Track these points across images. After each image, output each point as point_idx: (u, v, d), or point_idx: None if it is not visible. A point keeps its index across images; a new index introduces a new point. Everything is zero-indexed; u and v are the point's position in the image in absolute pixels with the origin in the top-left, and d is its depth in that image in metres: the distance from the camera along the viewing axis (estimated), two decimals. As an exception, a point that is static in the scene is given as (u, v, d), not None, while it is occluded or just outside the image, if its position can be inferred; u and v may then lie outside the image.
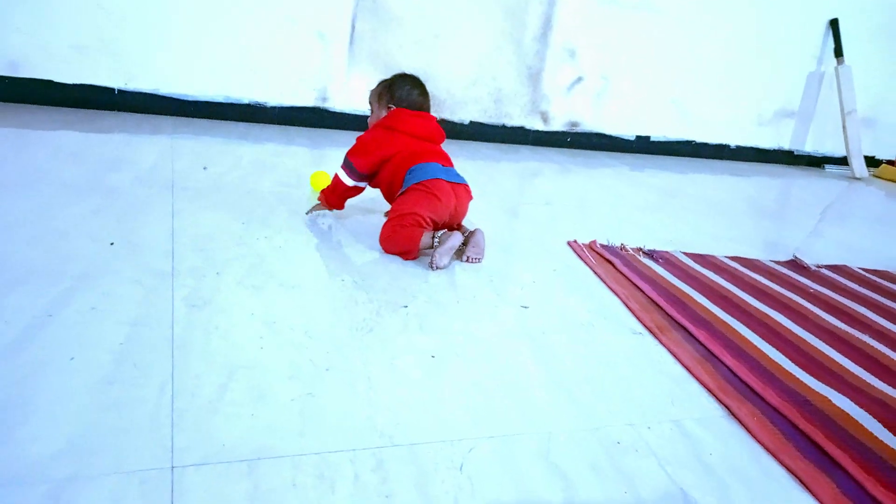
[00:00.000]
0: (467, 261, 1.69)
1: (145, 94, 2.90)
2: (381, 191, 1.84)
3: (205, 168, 2.18)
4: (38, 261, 1.34)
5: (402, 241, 1.62)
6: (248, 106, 3.06)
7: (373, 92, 1.88)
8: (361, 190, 1.83)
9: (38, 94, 2.77)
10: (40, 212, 1.60)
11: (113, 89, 2.86)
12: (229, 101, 3.02)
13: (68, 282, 1.26)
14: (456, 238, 1.62)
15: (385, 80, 1.86)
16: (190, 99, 2.97)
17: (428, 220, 1.65)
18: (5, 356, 1.00)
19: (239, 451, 0.87)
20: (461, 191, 1.73)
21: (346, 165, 1.78)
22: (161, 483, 0.79)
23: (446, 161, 1.78)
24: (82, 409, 0.91)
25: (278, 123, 3.13)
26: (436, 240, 1.63)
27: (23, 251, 1.37)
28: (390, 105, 1.81)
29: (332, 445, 0.91)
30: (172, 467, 0.82)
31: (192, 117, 2.99)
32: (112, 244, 1.46)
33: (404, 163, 1.72)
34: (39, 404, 0.91)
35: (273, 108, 3.10)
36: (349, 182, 1.78)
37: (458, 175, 1.76)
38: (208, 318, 1.21)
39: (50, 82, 2.77)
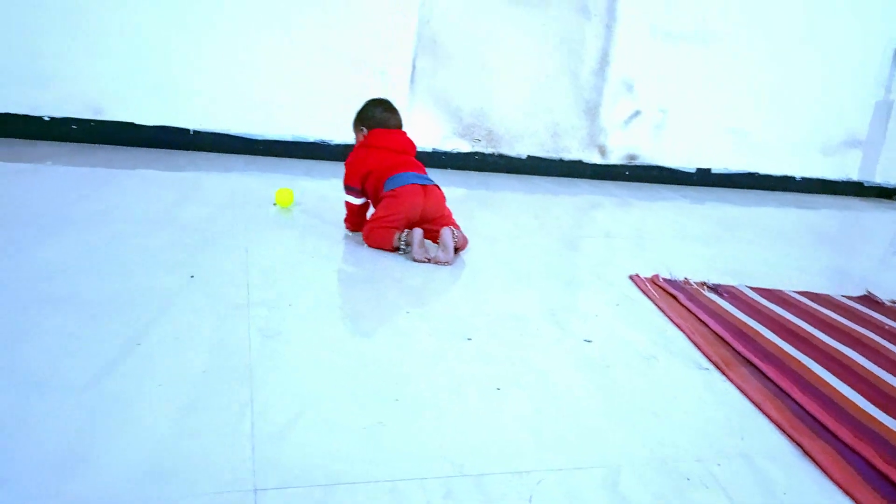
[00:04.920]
0: (435, 262, 1.85)
1: (217, 134, 3.05)
2: (371, 201, 2.07)
3: (274, 204, 2.27)
4: (121, 292, 1.42)
5: (379, 241, 1.92)
6: (313, 144, 3.18)
7: (353, 123, 2.14)
8: (369, 204, 2.08)
9: (120, 135, 2.95)
10: (121, 245, 1.71)
11: (188, 130, 3.02)
12: (296, 140, 3.14)
13: (151, 312, 1.34)
14: (417, 233, 1.86)
15: (358, 110, 2.13)
16: (259, 138, 3.11)
17: (396, 220, 1.91)
18: (93, 383, 1.07)
19: (315, 477, 0.91)
20: (432, 190, 1.98)
21: (348, 190, 2.04)
22: (244, 505, 0.84)
23: (419, 169, 2.02)
24: (167, 434, 0.96)
25: (342, 160, 3.22)
26: (402, 242, 1.87)
27: (106, 283, 1.46)
28: (362, 128, 2.09)
29: (403, 473, 0.94)
30: (255, 490, 0.86)
31: (261, 155, 3.12)
32: (192, 277, 1.54)
33: (382, 176, 1.97)
34: (127, 429, 0.97)
35: (337, 145, 3.20)
36: (357, 202, 2.05)
37: (429, 179, 2.01)
38: (282, 347, 1.26)
39: (131, 124, 2.94)
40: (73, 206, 2.00)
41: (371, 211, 2.06)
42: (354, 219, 2.08)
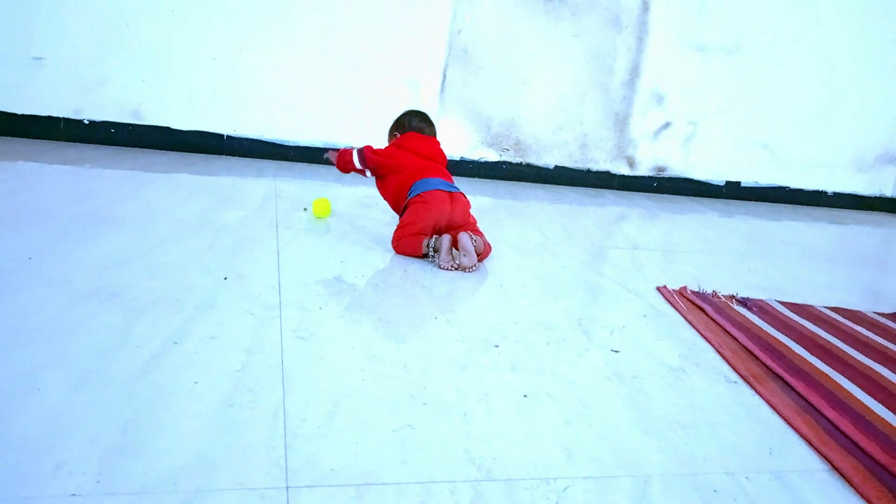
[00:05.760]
0: (462, 269, 1.86)
1: (250, 139, 3.12)
2: (388, 202, 2.15)
3: (305, 209, 2.31)
4: (159, 292, 1.46)
5: (408, 248, 1.95)
6: (343, 150, 3.22)
7: (388, 130, 2.25)
8: (362, 172, 2.13)
9: (158, 139, 3.02)
10: (159, 247, 1.75)
11: (222, 135, 3.09)
12: (326, 146, 3.19)
13: (188, 312, 1.38)
14: (445, 240, 1.89)
15: (396, 118, 2.24)
16: (290, 144, 3.16)
17: (424, 227, 1.94)
18: (136, 378, 1.11)
19: (347, 476, 0.93)
20: (458, 198, 2.02)
21: (360, 153, 2.09)
22: (279, 501, 0.86)
23: (446, 177, 2.07)
24: (206, 429, 0.99)
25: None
26: (431, 249, 1.90)
27: (145, 283, 1.50)
28: (396, 133, 2.18)
29: (433, 476, 0.96)
30: (287, 487, 0.88)
31: (293, 161, 3.17)
32: (225, 279, 1.58)
33: (409, 180, 2.02)
34: (169, 421, 1.00)
35: (367, 152, 3.24)
36: (357, 165, 2.10)
37: (455, 186, 2.06)
38: (314, 349, 1.29)
39: (168, 129, 3.01)
40: (114, 207, 2.05)
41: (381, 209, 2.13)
42: (341, 164, 2.11)
